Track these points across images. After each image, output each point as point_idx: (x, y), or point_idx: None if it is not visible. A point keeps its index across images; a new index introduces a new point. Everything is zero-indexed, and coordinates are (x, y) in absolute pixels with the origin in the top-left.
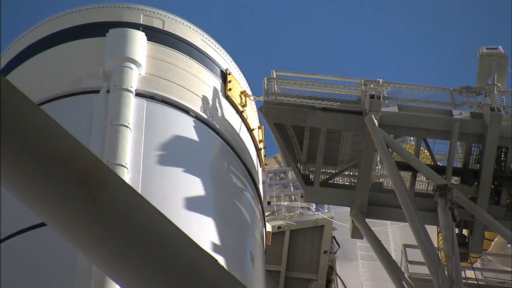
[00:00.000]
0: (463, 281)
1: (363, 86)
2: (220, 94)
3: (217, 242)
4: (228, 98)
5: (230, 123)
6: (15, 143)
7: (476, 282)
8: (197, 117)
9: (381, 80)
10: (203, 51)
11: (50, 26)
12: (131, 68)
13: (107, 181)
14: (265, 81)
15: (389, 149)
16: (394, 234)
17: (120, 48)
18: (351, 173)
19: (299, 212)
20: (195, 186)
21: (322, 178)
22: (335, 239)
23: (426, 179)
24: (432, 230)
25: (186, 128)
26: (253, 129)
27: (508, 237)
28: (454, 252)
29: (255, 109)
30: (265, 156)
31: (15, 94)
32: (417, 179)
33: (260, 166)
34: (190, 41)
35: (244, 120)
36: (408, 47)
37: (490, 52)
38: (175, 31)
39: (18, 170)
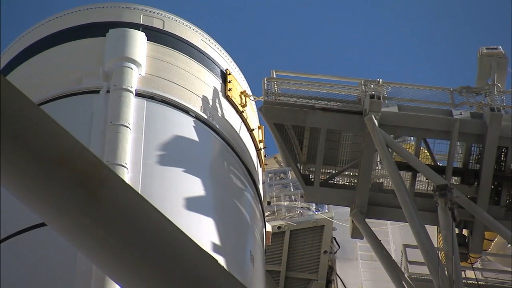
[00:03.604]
0: (463, 281)
1: (363, 86)
2: (220, 94)
3: (217, 242)
4: (228, 98)
5: (230, 123)
6: (15, 143)
7: (476, 282)
8: (197, 117)
9: (381, 80)
10: (203, 51)
11: (50, 26)
12: (131, 68)
13: (107, 181)
14: (265, 81)
15: (389, 149)
16: (394, 234)
17: (120, 48)
18: (351, 173)
19: (299, 212)
20: (195, 186)
21: (322, 178)
22: (335, 239)
23: (426, 179)
24: (432, 230)
25: (186, 128)
26: (253, 129)
27: (508, 237)
28: (454, 252)
29: (255, 109)
30: (265, 156)
31: (15, 94)
32: (417, 179)
33: (260, 166)
34: (190, 41)
35: (244, 120)
36: (408, 47)
37: (490, 52)
38: (175, 31)
39: (18, 170)
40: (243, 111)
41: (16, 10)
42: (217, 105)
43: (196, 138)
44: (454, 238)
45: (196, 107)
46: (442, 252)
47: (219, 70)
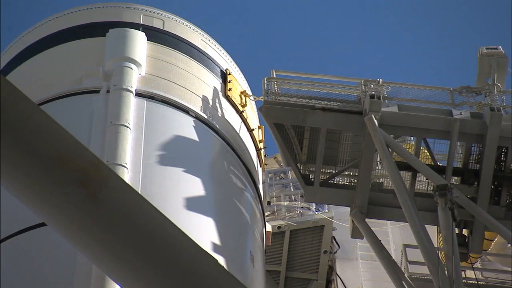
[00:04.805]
0: (463, 281)
1: (363, 86)
2: (220, 94)
3: (217, 242)
4: (228, 98)
5: (230, 123)
6: (15, 143)
7: (476, 282)
8: (197, 117)
9: (381, 80)
10: (203, 51)
11: (50, 26)
12: (131, 68)
13: (107, 181)
14: (265, 81)
15: (389, 149)
16: (394, 234)
17: (120, 48)
18: (351, 173)
19: (299, 212)
20: (195, 186)
21: (322, 178)
22: (335, 239)
23: (426, 179)
24: (432, 230)
25: (186, 128)
26: (253, 129)
27: (508, 237)
28: (454, 252)
29: (255, 109)
30: (265, 156)
31: (15, 94)
32: (417, 179)
33: (260, 166)
34: (190, 41)
35: (244, 120)
36: (408, 47)
37: (490, 52)
38: (175, 31)
39: (18, 170)
40: (243, 111)
41: (16, 10)
42: (217, 105)
43: (196, 138)
44: (454, 238)
45: (196, 107)
46: (442, 252)
47: (219, 70)
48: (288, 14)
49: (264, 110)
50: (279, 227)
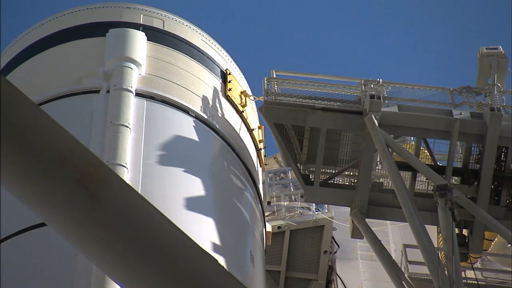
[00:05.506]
0: (463, 281)
1: (363, 86)
2: (220, 94)
3: (217, 242)
4: (228, 98)
5: (230, 123)
6: (15, 143)
7: (476, 282)
8: (197, 117)
9: (381, 80)
10: (203, 51)
11: (50, 26)
12: (131, 68)
13: (107, 181)
14: (265, 81)
15: (389, 149)
16: (394, 234)
17: (120, 48)
18: (351, 173)
19: (299, 212)
20: (195, 186)
21: (322, 178)
22: (333, 238)
23: (426, 179)
24: (432, 230)
25: (186, 128)
26: (253, 129)
27: (508, 237)
28: (454, 252)
29: (255, 109)
30: (265, 156)
31: (15, 94)
32: (417, 179)
33: (260, 166)
34: (190, 41)
35: (244, 120)
36: (408, 47)
37: (490, 52)
38: (175, 31)
39: (18, 170)
40: (243, 111)
41: (16, 10)
42: (217, 105)
43: (196, 138)
44: (454, 238)
45: (196, 107)
46: (442, 252)
47: (219, 70)
48: (288, 14)
49: (264, 110)
50: (279, 227)
